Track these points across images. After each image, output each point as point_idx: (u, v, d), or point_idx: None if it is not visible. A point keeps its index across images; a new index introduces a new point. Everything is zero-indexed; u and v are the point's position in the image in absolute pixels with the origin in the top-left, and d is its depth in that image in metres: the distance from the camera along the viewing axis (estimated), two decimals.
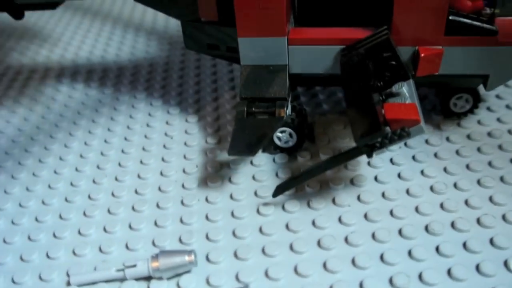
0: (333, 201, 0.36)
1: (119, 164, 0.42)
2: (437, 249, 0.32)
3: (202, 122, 0.47)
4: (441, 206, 0.35)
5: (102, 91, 0.54)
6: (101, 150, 0.44)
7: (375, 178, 0.38)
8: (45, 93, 0.55)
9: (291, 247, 0.33)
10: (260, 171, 0.39)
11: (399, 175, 0.38)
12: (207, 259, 0.32)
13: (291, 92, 0.40)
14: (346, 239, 0.33)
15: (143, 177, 0.40)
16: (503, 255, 0.31)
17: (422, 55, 0.34)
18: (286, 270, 0.31)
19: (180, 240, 0.34)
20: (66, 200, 0.39)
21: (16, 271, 0.33)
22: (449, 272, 0.30)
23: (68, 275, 0.32)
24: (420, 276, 0.30)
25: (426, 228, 0.33)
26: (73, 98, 0.53)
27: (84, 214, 0.37)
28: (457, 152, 0.40)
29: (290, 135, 0.39)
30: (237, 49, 0.38)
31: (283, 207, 0.36)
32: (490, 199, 0.35)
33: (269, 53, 0.37)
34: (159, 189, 0.39)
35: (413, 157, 0.39)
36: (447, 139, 0.41)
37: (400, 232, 0.33)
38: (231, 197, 0.37)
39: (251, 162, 0.40)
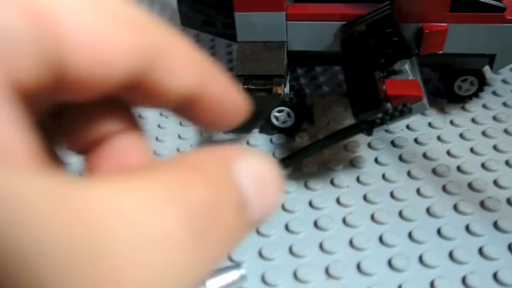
0: (332, 182, 0.35)
1: None
2: (438, 231, 0.31)
3: None
4: (443, 188, 0.34)
5: None
6: None
7: (376, 160, 0.37)
8: None
9: (286, 227, 0.32)
10: (257, 151, 0.38)
11: (400, 157, 0.37)
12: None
13: (289, 72, 0.38)
14: (344, 220, 0.32)
15: None
16: (507, 239, 0.30)
17: (426, 31, 0.33)
18: (281, 250, 0.30)
19: None
20: None
21: None
22: (450, 254, 0.29)
23: None
24: (420, 258, 0.29)
25: (428, 210, 0.32)
26: None
27: None
28: (461, 135, 0.39)
29: (288, 115, 0.38)
30: (234, 25, 0.36)
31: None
32: (495, 182, 0.34)
33: (266, 29, 0.35)
34: None
35: (415, 140, 0.38)
36: (451, 122, 0.40)
37: (400, 213, 0.32)
38: None
39: (248, 142, 0.39)
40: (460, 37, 0.34)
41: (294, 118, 0.38)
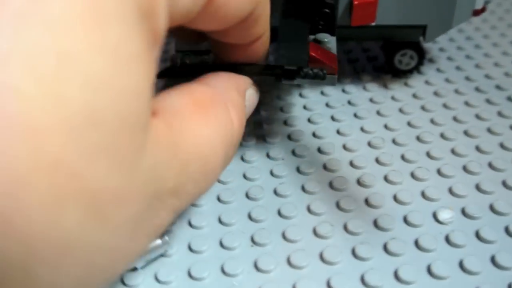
0: (267, 155, 0.35)
1: None
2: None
3: None
4: (376, 160, 0.34)
5: None
6: None
7: (313, 134, 0.37)
8: None
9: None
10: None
11: (337, 131, 0.37)
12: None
13: None
14: (275, 191, 0.32)
15: None
16: (433, 207, 0.30)
17: (356, 3, 0.33)
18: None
19: None
20: None
21: None
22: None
23: None
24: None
25: (357, 181, 0.33)
26: None
27: None
28: (400, 109, 0.39)
29: None
30: None
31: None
32: (427, 154, 0.35)
33: None
34: None
35: (355, 114, 0.39)
36: (392, 97, 0.41)
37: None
38: None
39: None
40: (390, 8, 0.35)
41: None
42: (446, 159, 0.34)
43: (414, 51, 0.40)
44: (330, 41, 0.31)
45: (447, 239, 0.28)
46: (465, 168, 0.33)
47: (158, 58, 0.16)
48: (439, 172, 0.33)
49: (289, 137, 0.37)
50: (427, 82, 0.42)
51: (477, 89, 0.41)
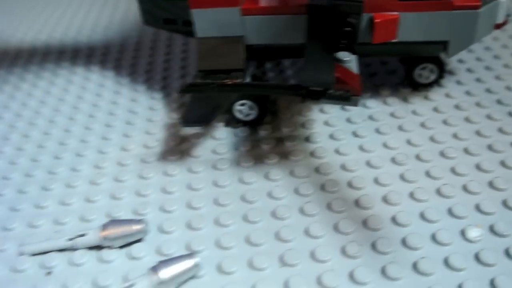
0: (291, 173, 0.35)
1: (82, 140, 0.42)
2: (393, 219, 0.31)
3: (168, 99, 0.46)
4: (401, 177, 0.34)
5: (72, 71, 0.54)
6: (65, 127, 0.44)
7: (336, 151, 0.37)
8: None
9: (245, 218, 0.32)
10: (220, 144, 0.39)
11: (360, 147, 0.37)
12: (160, 229, 0.32)
13: (252, 66, 0.39)
14: (301, 210, 0.32)
15: (104, 152, 0.40)
16: (461, 224, 0.30)
17: (377, 21, 0.33)
18: (238, 239, 0.31)
19: (134, 211, 0.34)
20: (26, 175, 0.38)
21: None
22: (403, 241, 0.29)
23: (21, 245, 0.32)
24: (373, 245, 0.29)
25: (384, 199, 0.33)
26: (43, 78, 0.53)
27: (43, 188, 0.37)
28: (422, 124, 0.39)
29: (251, 107, 0.39)
30: None
31: (240, 180, 0.35)
32: (452, 170, 0.34)
33: (222, 24, 0.36)
34: (119, 163, 0.39)
35: (377, 130, 0.39)
36: (413, 112, 0.40)
37: (356, 203, 0.33)
38: (189, 170, 0.37)
39: (213, 136, 0.40)
40: (411, 25, 0.35)
41: (257, 111, 0.39)
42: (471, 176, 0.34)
43: (434, 64, 0.40)
44: (351, 60, 0.32)
45: (477, 258, 0.28)
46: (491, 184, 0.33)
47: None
48: (465, 188, 0.33)
49: (312, 154, 0.37)
50: (447, 95, 0.42)
51: (499, 102, 0.41)
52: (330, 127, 0.40)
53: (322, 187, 0.34)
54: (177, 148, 0.39)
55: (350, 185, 0.34)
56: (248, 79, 0.37)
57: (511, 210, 0.31)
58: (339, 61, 0.30)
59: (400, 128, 0.39)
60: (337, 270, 0.28)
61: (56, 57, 0.57)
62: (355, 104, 0.29)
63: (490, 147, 0.36)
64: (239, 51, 0.36)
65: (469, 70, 0.45)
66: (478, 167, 0.34)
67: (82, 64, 0.55)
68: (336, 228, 0.31)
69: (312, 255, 0.29)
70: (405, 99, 0.42)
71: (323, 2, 0.33)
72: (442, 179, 0.34)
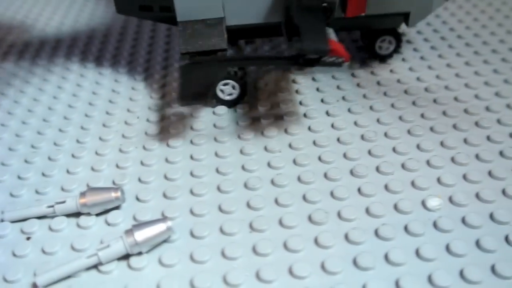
0: (265, 148, 0.37)
1: (65, 117, 0.43)
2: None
3: (150, 80, 0.48)
4: (368, 151, 0.36)
5: (52, 61, 0.55)
6: (48, 105, 0.45)
7: (309, 128, 0.39)
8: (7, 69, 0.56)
9: (218, 188, 0.34)
10: (199, 121, 0.40)
11: (327, 113, 0.40)
12: (137, 198, 0.34)
13: (231, 45, 0.41)
14: (272, 181, 0.34)
15: (85, 128, 0.41)
16: (421, 195, 0.32)
17: None
18: (211, 207, 0.32)
19: (113, 182, 0.35)
20: (9, 149, 0.40)
21: None
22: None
23: (2, 212, 0.33)
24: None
25: (351, 172, 0.34)
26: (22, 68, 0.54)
27: (25, 160, 0.38)
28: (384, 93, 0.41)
29: (233, 87, 0.41)
30: (171, 8, 0.38)
31: (216, 154, 0.37)
32: (408, 131, 0.36)
33: (204, 6, 0.37)
34: (100, 138, 0.40)
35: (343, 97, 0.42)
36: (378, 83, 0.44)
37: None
38: (167, 144, 0.38)
39: (191, 114, 0.42)
40: None
41: (239, 91, 0.41)
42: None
43: (393, 36, 0.44)
44: (330, 32, 0.34)
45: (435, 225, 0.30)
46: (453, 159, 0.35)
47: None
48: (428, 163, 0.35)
49: (286, 131, 0.39)
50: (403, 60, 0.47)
51: (448, 66, 0.47)
52: (304, 106, 0.42)
53: (294, 161, 0.36)
54: (156, 125, 0.41)
55: (345, 156, 0.36)
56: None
57: (470, 182, 0.33)
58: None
59: (365, 96, 0.43)
60: (303, 235, 0.30)
61: (38, 48, 0.58)
62: (340, 67, 0.32)
63: (444, 113, 0.40)
64: (222, 32, 0.37)
65: (426, 40, 0.51)
66: (432, 129, 0.38)
67: (63, 53, 0.56)
68: (304, 198, 0.32)
69: (280, 222, 0.31)
70: (371, 72, 0.46)
71: None
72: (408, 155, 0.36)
